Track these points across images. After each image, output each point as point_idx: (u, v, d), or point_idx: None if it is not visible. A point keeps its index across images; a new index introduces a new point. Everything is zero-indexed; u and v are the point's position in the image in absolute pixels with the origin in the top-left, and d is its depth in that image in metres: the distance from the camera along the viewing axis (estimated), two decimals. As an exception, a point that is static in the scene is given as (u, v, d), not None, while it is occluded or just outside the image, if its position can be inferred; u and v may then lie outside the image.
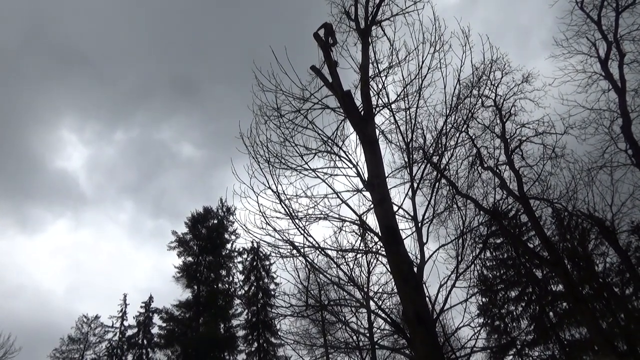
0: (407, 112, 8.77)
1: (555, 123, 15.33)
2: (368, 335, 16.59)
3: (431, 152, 8.92)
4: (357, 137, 8.46)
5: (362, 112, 8.51)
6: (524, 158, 15.95)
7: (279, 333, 25.95)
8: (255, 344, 34.43)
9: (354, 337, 17.24)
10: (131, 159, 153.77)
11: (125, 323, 40.31)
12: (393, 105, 9.17)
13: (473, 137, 14.73)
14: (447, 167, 9.54)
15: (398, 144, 9.48)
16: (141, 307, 40.57)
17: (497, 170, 15.58)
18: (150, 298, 41.15)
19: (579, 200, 15.20)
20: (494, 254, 27.37)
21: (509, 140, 15.98)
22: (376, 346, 16.69)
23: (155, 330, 38.49)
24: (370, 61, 9.47)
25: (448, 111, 8.48)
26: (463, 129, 10.16)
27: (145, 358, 38.20)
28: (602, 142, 15.03)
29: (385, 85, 9.23)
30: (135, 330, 39.71)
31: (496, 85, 15.79)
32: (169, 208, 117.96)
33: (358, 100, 8.85)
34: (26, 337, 60.81)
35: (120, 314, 40.64)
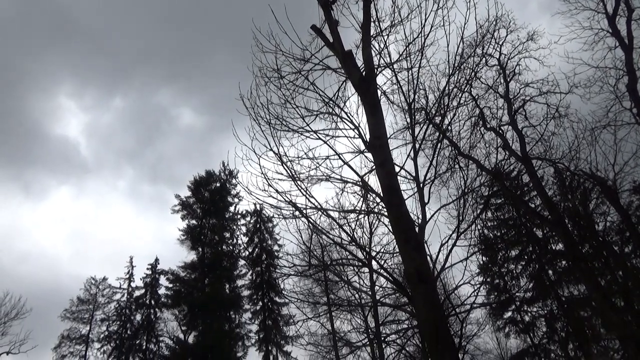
0: (410, 72, 8.65)
1: (559, 82, 15.16)
2: (370, 293, 16.97)
3: (433, 112, 8.85)
4: (359, 98, 8.38)
5: (364, 73, 8.40)
6: (527, 118, 15.85)
7: (283, 292, 26.49)
8: (260, 304, 35.31)
9: (356, 296, 17.65)
10: (130, 125, 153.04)
11: (133, 284, 41.21)
12: (395, 65, 9.04)
13: (476, 97, 14.61)
14: (450, 128, 9.50)
15: (400, 104, 9.42)
16: (147, 269, 41.38)
17: (500, 131, 15.52)
18: (156, 260, 41.90)
19: (582, 160, 15.19)
20: (495, 214, 27.59)
21: (512, 100, 15.83)
22: (378, 304, 17.08)
23: (162, 291, 39.42)
24: (372, 19, 9.26)
25: (451, 71, 8.35)
26: (466, 89, 10.06)
27: (153, 317, 39.26)
28: (607, 101, 14.90)
29: (387, 44, 9.06)
30: (143, 291, 40.62)
31: (500, 43, 15.53)
32: (168, 174, 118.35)
33: (359, 61, 8.72)
34: (36, 300, 62.50)
35: (128, 276, 41.48)
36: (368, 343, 20.33)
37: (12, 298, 28.67)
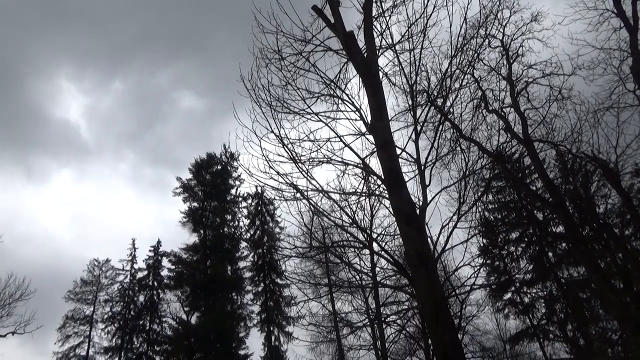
0: (412, 53, 8.57)
1: (563, 64, 15.06)
2: (371, 275, 17.10)
3: (435, 94, 8.79)
4: (360, 79, 8.33)
5: (365, 54, 8.33)
6: (530, 100, 15.76)
7: (284, 274, 26.74)
8: (262, 285, 35.64)
9: (357, 277, 17.78)
10: (130, 108, 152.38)
11: (135, 266, 41.58)
12: (397, 47, 8.96)
13: (478, 79, 14.48)
14: (451, 110, 9.44)
15: (402, 86, 9.36)
16: (150, 251, 41.69)
17: (502, 113, 15.43)
18: (159, 242, 42.20)
19: (584, 143, 15.13)
20: (496, 196, 27.62)
21: (515, 82, 15.70)
22: (379, 285, 17.24)
23: (164, 273, 39.81)
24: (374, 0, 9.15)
25: (453, 52, 8.27)
26: (468, 71, 9.97)
27: (156, 299, 39.70)
28: (610, 83, 14.77)
29: (389, 25, 8.97)
30: (145, 272, 40.99)
31: (504, 24, 15.34)
32: (169, 157, 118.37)
33: (361, 42, 8.64)
34: (40, 282, 63.12)
35: (130, 258, 41.82)
36: (369, 323, 20.57)
37: (16, 279, 28.96)
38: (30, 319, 28.02)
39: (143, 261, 41.51)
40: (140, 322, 38.76)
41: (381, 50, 8.86)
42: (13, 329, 27.75)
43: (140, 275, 41.04)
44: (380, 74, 8.50)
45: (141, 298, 40.16)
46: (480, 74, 15.06)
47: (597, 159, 15.43)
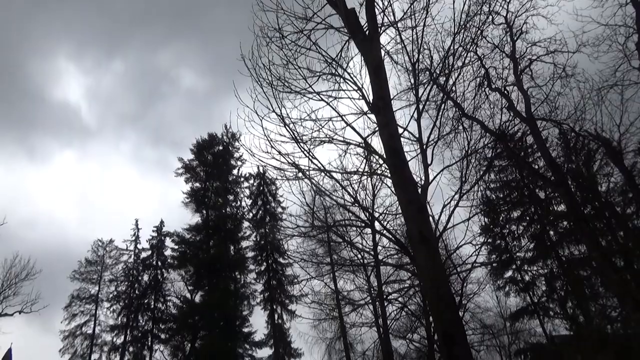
0: (414, 31, 8.46)
1: (567, 41, 14.80)
2: (373, 253, 17.22)
3: (438, 73, 8.72)
4: (362, 58, 8.24)
5: (367, 32, 8.22)
6: (533, 78, 15.60)
7: (287, 253, 26.96)
8: (264, 264, 35.95)
9: (359, 256, 17.93)
10: (130, 88, 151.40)
11: (139, 246, 41.92)
12: (399, 24, 8.84)
13: (482, 57, 14.30)
14: (454, 88, 9.38)
15: (404, 65, 9.25)
16: (153, 231, 41.96)
17: (505, 92, 15.29)
18: (162, 223, 42.43)
19: (587, 121, 15.04)
20: (498, 175, 27.61)
21: (518, 59, 15.53)
22: (380, 264, 17.37)
23: (168, 253, 40.12)
24: (376, -25, 8.98)
25: (456, 29, 8.17)
26: (471, 49, 9.87)
27: (160, 278, 40.12)
28: (615, 60, 14.57)
29: (391, 2, 8.82)
30: (149, 252, 41.33)
31: (508, 1, 15.07)
32: (171, 137, 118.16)
33: (363, 19, 8.51)
34: (44, 262, 63.79)
35: (134, 238, 42.13)
36: (370, 301, 20.83)
37: (21, 260, 29.39)
38: (36, 298, 28.56)
39: (146, 241, 41.85)
40: (145, 301, 39.26)
41: (383, 28, 8.74)
42: (20, 308, 28.30)
43: (144, 255, 41.42)
44: (382, 52, 8.41)
45: (145, 277, 40.60)
46: (484, 51, 14.85)
47: (599, 137, 15.36)
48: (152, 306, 39.13)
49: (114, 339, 37.87)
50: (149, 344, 37.49)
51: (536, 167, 21.97)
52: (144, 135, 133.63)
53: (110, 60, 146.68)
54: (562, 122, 15.06)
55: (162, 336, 36.90)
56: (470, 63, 10.85)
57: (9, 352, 39.83)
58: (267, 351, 32.68)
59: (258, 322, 35.67)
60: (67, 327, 37.68)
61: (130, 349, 37.55)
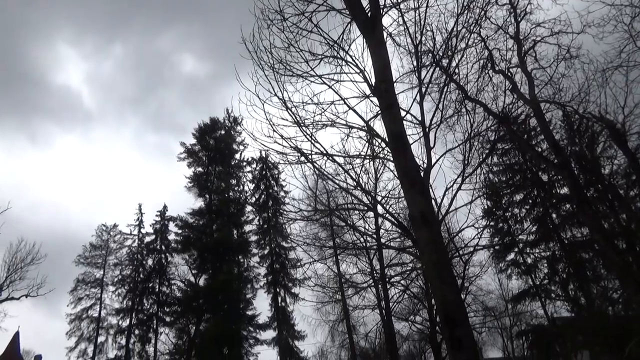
0: (417, 12, 8.37)
1: (572, 21, 14.53)
2: (375, 237, 17.27)
3: (440, 55, 8.64)
4: (364, 40, 8.15)
5: (369, 14, 8.12)
6: (537, 60, 15.38)
7: (290, 237, 27.12)
8: (268, 248, 36.18)
9: (362, 239, 17.98)
10: (131, 72, 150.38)
11: (143, 231, 42.17)
12: (402, 5, 8.73)
13: (485, 38, 14.11)
14: (457, 70, 9.30)
15: (406, 47, 9.16)
16: (156, 215, 42.16)
17: (509, 74, 15.12)
18: (165, 207, 42.60)
19: (591, 103, 14.86)
20: (501, 159, 27.55)
21: (522, 41, 15.32)
22: (383, 247, 17.44)
23: (171, 237, 40.37)
24: (378, -45, 8.83)
25: (460, 10, 8.09)
26: (475, 30, 9.76)
27: (164, 262, 40.44)
28: (620, 41, 14.30)
29: (394, -18, 8.70)
30: (153, 237, 41.59)
31: (512, -20, 14.81)
32: (172, 122, 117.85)
33: (365, 0, 8.41)
34: (49, 247, 64.30)
35: (137, 222, 42.36)
36: (373, 284, 20.96)
37: (26, 244, 29.63)
38: (42, 282, 28.86)
39: (150, 226, 42.08)
40: (150, 285, 39.65)
41: (385, 9, 8.62)
42: (26, 291, 28.60)
43: (147, 239, 41.68)
44: (385, 34, 8.31)
45: (150, 261, 40.94)
46: (487, 33, 14.60)
47: (604, 119, 15.23)
48: (157, 290, 39.53)
49: (120, 322, 38.45)
50: (155, 326, 37.99)
51: (539, 149, 21.90)
52: (145, 120, 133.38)
53: (111, 44, 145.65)
54: (565, 104, 14.90)
55: (167, 319, 37.35)
56: (474, 45, 10.76)
57: (17, 335, 40.48)
58: (271, 333, 33.17)
59: (262, 305, 36.05)
60: (73, 311, 38.21)
61: (136, 331, 38.09)
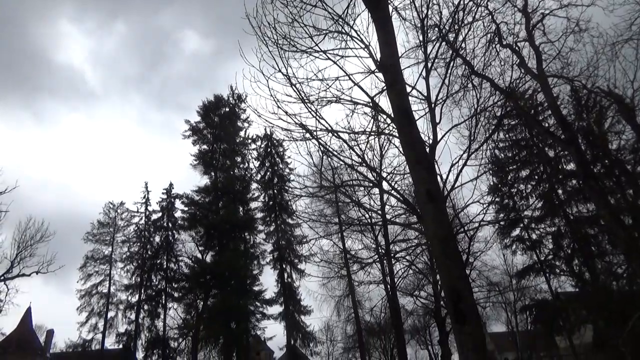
0: (423, -16, 8.18)
1: (582, -7, 14.21)
2: (380, 213, 17.34)
3: (447, 29, 8.48)
4: (369, 14, 8.02)
5: (375, -14, 7.97)
6: (546, 33, 15.10)
7: (295, 213, 27.28)
8: (273, 225, 36.41)
9: (367, 215, 18.06)
10: (133, 49, 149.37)
11: (150, 208, 42.61)
12: (408, -23, 8.54)
13: (493, 11, 13.83)
14: (463, 45, 9.14)
15: (412, 21, 8.99)
16: (163, 193, 42.48)
17: (516, 48, 14.87)
18: (171, 185, 42.87)
19: (600, 77, 14.62)
20: (508, 134, 27.35)
21: (530, 14, 15.02)
22: (388, 223, 17.52)
23: (178, 214, 40.79)
24: None
25: (467, -18, 7.90)
26: (482, 3, 9.55)
27: (171, 239, 40.90)
28: (631, 13, 14.00)
29: (400, -46, 8.51)
30: (160, 214, 42.00)
31: (521, -49, 14.45)
32: (176, 100, 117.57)
33: (370, -27, 8.24)
34: (58, 225, 65.09)
35: (144, 200, 42.73)
36: (378, 260, 21.15)
37: (35, 222, 30.07)
38: (52, 259, 29.35)
39: (157, 203, 42.47)
40: (158, 261, 40.21)
41: (391, -18, 8.46)
42: (37, 268, 29.08)
43: (154, 217, 42.12)
44: (390, 8, 8.16)
45: (157, 239, 41.45)
46: (495, 5, 14.31)
47: (612, 94, 15.02)
48: (165, 266, 40.09)
49: (129, 298, 39.20)
50: (163, 302, 38.70)
51: (546, 125, 21.68)
52: (149, 99, 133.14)
53: (112, 21, 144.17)
54: (574, 79, 14.69)
55: (175, 294, 38.00)
56: (481, 18, 10.53)
57: (29, 310, 41.32)
58: (277, 308, 33.69)
59: (268, 281, 36.65)
60: (83, 287, 38.94)
61: (145, 307, 38.82)
